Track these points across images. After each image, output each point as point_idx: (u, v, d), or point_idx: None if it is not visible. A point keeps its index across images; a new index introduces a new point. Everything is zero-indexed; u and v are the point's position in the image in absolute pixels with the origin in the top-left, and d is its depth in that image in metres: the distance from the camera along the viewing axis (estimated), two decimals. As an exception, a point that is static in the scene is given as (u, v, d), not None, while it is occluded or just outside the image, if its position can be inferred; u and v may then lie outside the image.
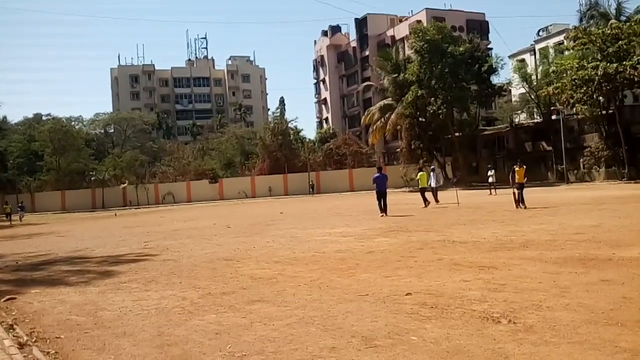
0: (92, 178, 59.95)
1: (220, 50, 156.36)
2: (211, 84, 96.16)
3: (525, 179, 18.42)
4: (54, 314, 6.00)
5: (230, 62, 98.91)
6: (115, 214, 38.21)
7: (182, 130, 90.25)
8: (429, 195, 22.14)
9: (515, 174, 18.02)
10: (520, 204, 17.42)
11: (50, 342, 4.80)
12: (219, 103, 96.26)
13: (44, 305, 6.46)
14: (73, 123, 68.40)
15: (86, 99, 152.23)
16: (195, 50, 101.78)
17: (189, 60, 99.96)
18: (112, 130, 76.98)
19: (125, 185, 56.74)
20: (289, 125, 64.02)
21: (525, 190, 18.03)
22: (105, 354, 4.37)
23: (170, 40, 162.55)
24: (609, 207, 15.85)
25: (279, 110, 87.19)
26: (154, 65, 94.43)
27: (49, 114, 70.42)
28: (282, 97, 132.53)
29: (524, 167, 18.61)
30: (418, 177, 22.46)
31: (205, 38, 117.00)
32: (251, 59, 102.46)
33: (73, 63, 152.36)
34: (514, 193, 17.96)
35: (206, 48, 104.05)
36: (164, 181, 60.11)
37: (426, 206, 20.87)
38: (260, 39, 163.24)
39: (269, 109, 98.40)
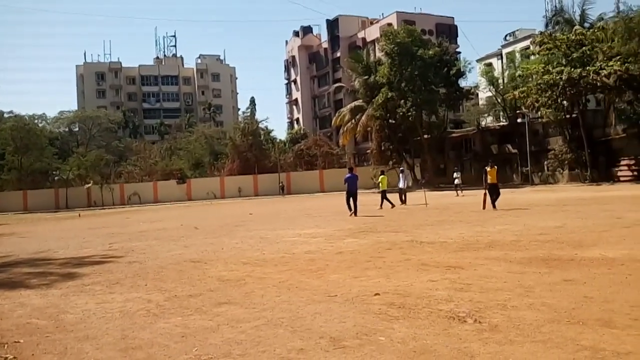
0: (56, 178, 58.47)
1: (189, 49, 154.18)
2: (180, 83, 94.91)
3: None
4: (13, 317, 5.79)
5: (199, 61, 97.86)
6: (79, 215, 37.31)
7: (150, 130, 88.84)
8: (392, 196, 22.28)
9: (487, 175, 17.94)
10: (493, 205, 17.35)
11: (9, 347, 4.63)
12: (188, 102, 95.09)
13: (2, 309, 6.24)
14: (36, 121, 66.48)
15: (50, 97, 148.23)
16: (164, 49, 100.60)
17: (157, 58, 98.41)
18: (76, 129, 75.12)
19: (90, 185, 55.49)
20: (260, 125, 63.79)
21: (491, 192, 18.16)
22: (67, 358, 4.24)
23: (139, 37, 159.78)
24: (572, 209, 16.29)
25: (249, 110, 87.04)
26: (121, 62, 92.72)
27: (11, 112, 68.27)
28: (252, 97, 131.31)
29: (496, 167, 18.62)
30: (379, 180, 22.60)
31: (174, 36, 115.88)
32: (221, 57, 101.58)
33: (37, 60, 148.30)
34: (484, 194, 17.98)
35: (175, 46, 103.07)
36: (130, 181, 58.99)
37: (392, 207, 21.03)
38: (230, 38, 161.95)
39: (239, 109, 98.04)
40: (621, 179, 36.32)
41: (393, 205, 21.12)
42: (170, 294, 6.51)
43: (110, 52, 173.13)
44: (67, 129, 74.71)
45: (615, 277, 6.03)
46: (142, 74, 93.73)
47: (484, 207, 17.49)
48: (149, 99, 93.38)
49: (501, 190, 18.55)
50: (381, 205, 21.36)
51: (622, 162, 37.47)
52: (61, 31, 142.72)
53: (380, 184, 22.62)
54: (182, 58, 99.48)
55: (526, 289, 5.69)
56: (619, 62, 33.17)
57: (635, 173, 36.29)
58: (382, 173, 23.70)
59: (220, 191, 55.62)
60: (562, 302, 5.00)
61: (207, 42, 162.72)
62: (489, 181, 17.83)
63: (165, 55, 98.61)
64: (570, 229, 10.88)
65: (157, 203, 52.79)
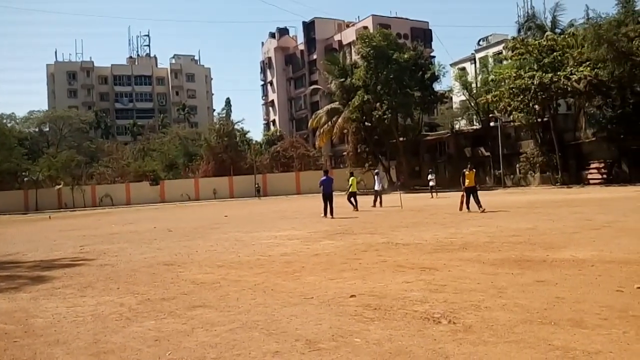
0: (25, 179, 56.89)
1: (163, 49, 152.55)
2: (153, 83, 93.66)
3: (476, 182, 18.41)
4: (-22, 323, 5.61)
5: (174, 61, 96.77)
6: (50, 217, 36.46)
7: (122, 130, 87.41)
8: (367, 198, 22.39)
9: (465, 178, 17.87)
10: (477, 205, 17.28)
11: (-27, 354, 4.48)
12: (162, 102, 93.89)
13: (-33, 314, 6.04)
14: (5, 121, 64.71)
15: (19, 97, 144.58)
16: (137, 48, 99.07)
17: (131, 57, 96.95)
18: (47, 129, 73.39)
19: (61, 186, 54.22)
20: (235, 126, 63.35)
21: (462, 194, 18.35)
22: (35, 365, 4.13)
23: (111, 37, 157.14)
24: (543, 211, 16.61)
25: (225, 111, 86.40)
26: (93, 62, 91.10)
27: (-23, 111, 66.32)
28: (228, 98, 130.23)
29: (474, 170, 18.59)
30: (349, 181, 22.67)
31: (148, 36, 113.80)
32: (196, 58, 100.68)
33: (6, 60, 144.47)
34: (462, 196, 18.04)
35: (149, 46, 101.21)
36: (101, 183, 57.84)
37: (355, 209, 21.01)
38: (206, 39, 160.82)
39: (214, 110, 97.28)
40: (591, 181, 37.23)
41: (356, 209, 21.18)
42: (143, 297, 6.41)
43: (82, 51, 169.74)
44: (37, 129, 72.93)
45: (585, 278, 6.16)
46: (114, 74, 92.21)
47: (460, 209, 17.64)
48: (121, 99, 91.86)
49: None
50: (356, 207, 21.41)
51: (592, 166, 38.42)
52: (31, 30, 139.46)
53: (350, 186, 22.63)
54: (155, 58, 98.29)
55: (499, 289, 5.77)
56: (588, 68, 34.02)
57: (605, 176, 37.25)
58: (352, 175, 23.75)
59: (194, 193, 55.03)
60: (534, 303, 5.08)
61: (181, 42, 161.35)
62: (466, 184, 17.83)
63: (138, 55, 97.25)
64: (541, 231, 11.09)
65: (129, 205, 51.95)
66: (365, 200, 25.10)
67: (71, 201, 53.18)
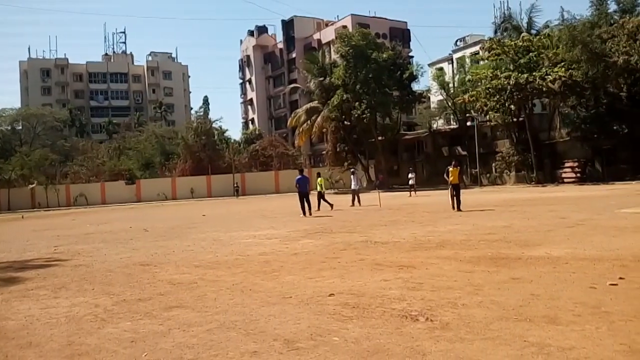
0: (-3, 178, 55.58)
1: (140, 46, 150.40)
2: (129, 80, 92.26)
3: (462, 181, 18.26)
4: (-54, 326, 5.45)
5: (150, 58, 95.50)
6: (22, 216, 35.72)
7: (97, 128, 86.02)
8: (341, 198, 22.42)
9: (450, 175, 17.59)
10: (457, 205, 17.08)
11: (-59, 358, 4.35)
12: (138, 100, 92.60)
13: None
14: (-24, 119, 63.18)
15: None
16: (113, 45, 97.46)
17: (106, 54, 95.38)
18: (20, 127, 71.79)
19: (34, 185, 53.13)
20: (213, 125, 62.87)
21: (441, 193, 18.48)
22: (6, 368, 4.03)
23: (87, 33, 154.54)
24: (519, 209, 16.87)
25: (202, 109, 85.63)
26: (67, 59, 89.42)
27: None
28: (206, 96, 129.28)
29: (459, 167, 18.29)
30: (318, 181, 22.67)
31: (124, 32, 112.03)
32: (173, 55, 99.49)
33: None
34: (451, 195, 17.67)
35: (125, 43, 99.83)
36: (76, 182, 56.86)
37: (317, 210, 20.97)
38: (183, 36, 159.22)
39: (191, 108, 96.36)
40: (565, 180, 37.99)
41: (319, 209, 21.17)
42: (119, 298, 6.31)
43: (56, 48, 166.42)
44: (9, 127, 71.29)
45: (560, 275, 6.26)
46: (89, 71, 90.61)
47: (453, 208, 17.23)
48: (97, 97, 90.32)
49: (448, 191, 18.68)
50: (330, 206, 21.43)
51: (566, 165, 39.20)
52: (4, 26, 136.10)
53: (318, 186, 22.61)
54: (132, 55, 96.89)
55: (476, 287, 5.83)
56: (563, 68, 34.68)
57: (578, 175, 38.05)
58: (319, 175, 23.73)
59: (171, 192, 54.49)
60: (510, 300, 5.14)
61: (158, 39, 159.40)
62: (450, 181, 17.56)
63: (114, 52, 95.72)
64: (517, 229, 11.26)
65: (104, 204, 51.21)
66: (346, 200, 25.18)
67: (45, 201, 52.18)
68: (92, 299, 6.40)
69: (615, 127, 36.59)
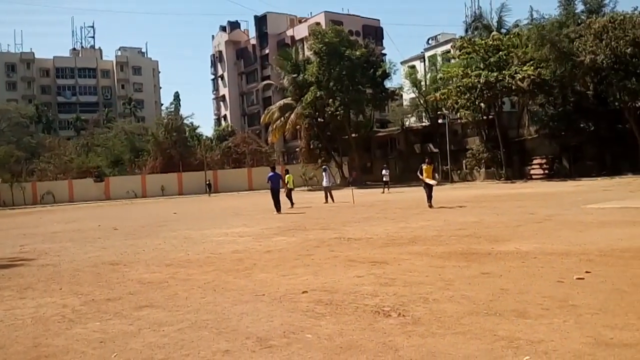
0: (-41, 175, 53.81)
1: (109, 41, 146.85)
2: (98, 76, 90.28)
3: (434, 177, 18.27)
4: None
5: (119, 53, 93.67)
6: (-14, 215, 34.62)
7: (65, 125, 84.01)
8: (306, 194, 22.42)
9: (424, 172, 17.51)
10: (427, 201, 17.08)
11: None
12: (107, 96, 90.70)
13: None
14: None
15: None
16: (81, 39, 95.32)
17: (74, 49, 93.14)
18: (-17, 123, 69.59)
19: (-1, 183, 51.63)
20: (185, 121, 62.08)
21: (413, 189, 18.59)
22: (-33, 373, 3.90)
23: (53, 27, 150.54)
24: (488, 205, 17.16)
25: (173, 105, 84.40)
26: (33, 53, 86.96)
27: None
28: (176, 92, 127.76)
29: (432, 165, 18.27)
30: (286, 179, 22.63)
31: (92, 27, 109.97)
32: (143, 50, 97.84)
33: None
34: (426, 192, 17.51)
35: (93, 37, 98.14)
36: (42, 179, 55.43)
37: (292, 206, 20.98)
38: (153, 31, 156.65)
39: (162, 104, 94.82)
40: (533, 177, 38.83)
41: (292, 206, 21.18)
42: (87, 298, 6.17)
43: (21, 42, 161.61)
44: (-28, 123, 69.07)
45: (528, 269, 6.38)
46: (57, 66, 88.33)
47: (430, 205, 17.11)
48: (64, 93, 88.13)
49: (421, 188, 18.82)
50: (291, 204, 21.40)
51: (535, 161, 40.07)
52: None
53: (287, 183, 22.55)
54: (100, 50, 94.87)
55: (447, 282, 5.90)
56: (532, 67, 35.38)
57: (546, 171, 38.94)
58: (287, 172, 23.68)
59: (141, 190, 53.65)
60: (480, 295, 5.22)
61: (128, 34, 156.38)
62: (424, 178, 17.45)
63: (82, 47, 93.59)
64: (487, 224, 11.45)
65: (72, 202, 50.10)
66: (319, 197, 25.20)
67: (10, 199, 50.74)
68: (60, 299, 6.25)
69: (582, 125, 37.55)
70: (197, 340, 4.27)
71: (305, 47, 56.54)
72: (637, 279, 5.52)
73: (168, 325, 4.77)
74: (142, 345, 4.23)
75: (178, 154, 55.89)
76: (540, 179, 37.79)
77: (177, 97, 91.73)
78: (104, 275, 7.79)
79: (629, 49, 32.18)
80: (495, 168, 41.48)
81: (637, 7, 35.69)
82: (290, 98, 49.84)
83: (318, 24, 59.51)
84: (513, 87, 35.84)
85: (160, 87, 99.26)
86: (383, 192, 31.06)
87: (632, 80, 32.29)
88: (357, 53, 44.52)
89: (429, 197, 17.17)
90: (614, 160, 36.36)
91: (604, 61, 32.78)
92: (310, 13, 73.17)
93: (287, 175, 22.78)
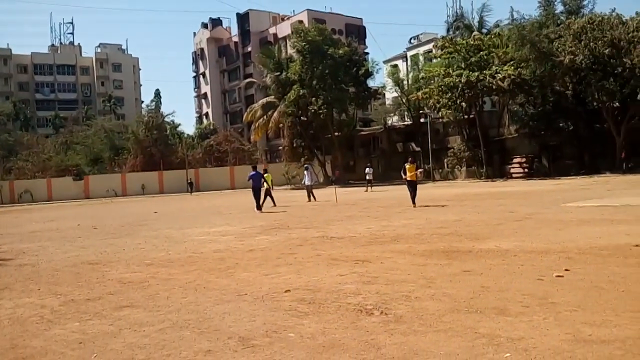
0: None
1: (88, 37, 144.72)
2: (77, 72, 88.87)
3: (419, 176, 18.07)
4: None
5: (99, 50, 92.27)
6: (-39, 214, 33.85)
7: (43, 122, 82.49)
8: (289, 193, 22.30)
9: (407, 171, 17.40)
10: (412, 201, 16.94)
11: None
12: (86, 93, 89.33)
13: None
14: None
15: None
16: (60, 36, 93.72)
17: (53, 45, 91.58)
18: (-41, 121, 68.11)
19: (-26, 181, 50.58)
20: (165, 119, 61.43)
21: (396, 188, 18.64)
22: (-59, 376, 3.80)
23: (32, 23, 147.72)
24: (470, 203, 17.33)
25: (154, 103, 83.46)
26: (10, 49, 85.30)
27: None
28: (157, 90, 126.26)
29: (415, 164, 18.28)
30: (265, 178, 22.46)
31: (71, 23, 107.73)
32: (123, 47, 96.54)
33: None
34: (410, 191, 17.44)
35: (72, 33, 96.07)
36: (20, 178, 54.41)
37: (274, 206, 20.84)
38: (134, 27, 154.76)
39: (142, 102, 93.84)
40: (513, 175, 39.35)
41: (274, 204, 21.07)
42: (66, 298, 6.08)
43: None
44: (-53, 120, 67.54)
45: (508, 267, 6.45)
46: (35, 63, 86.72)
47: (413, 204, 17.05)
48: (42, 90, 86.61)
49: (405, 187, 18.86)
50: (273, 203, 21.29)
51: (514, 160, 40.60)
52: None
53: (265, 183, 22.40)
54: (80, 46, 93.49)
55: (428, 280, 5.94)
56: (512, 67, 35.83)
57: (526, 170, 39.49)
58: (265, 172, 23.51)
59: (121, 188, 53.03)
60: (461, 292, 5.26)
61: (108, 30, 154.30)
62: (407, 177, 17.40)
63: (61, 43, 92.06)
64: (468, 223, 11.55)
65: (51, 201, 49.28)
66: (302, 196, 25.16)
67: (-14, 198, 49.73)
68: (38, 299, 6.14)
69: (561, 124, 38.15)
70: (178, 341, 4.23)
71: (288, 45, 56.38)
72: (615, 277, 5.61)
73: (149, 326, 4.71)
74: (123, 346, 4.18)
75: (159, 152, 55.34)
76: (520, 177, 38.31)
77: (157, 94, 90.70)
78: (83, 275, 7.67)
79: (607, 50, 32.78)
80: (476, 167, 41.91)
81: (614, 8, 36.24)
82: (273, 96, 49.69)
83: (301, 22, 59.38)
84: (494, 87, 36.25)
85: (141, 85, 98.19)
86: (366, 191, 31.16)
87: (610, 81, 32.90)
88: (340, 52, 44.56)
89: (413, 197, 17.14)
90: (593, 159, 37.03)
91: (583, 61, 33.33)
92: (293, 11, 73.19)
93: (266, 175, 22.65)
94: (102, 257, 9.47)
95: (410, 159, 18.56)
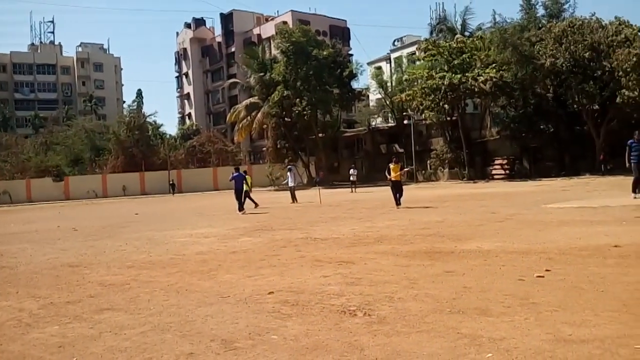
0: None
1: (69, 36, 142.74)
2: (58, 72, 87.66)
3: (403, 176, 17.94)
4: None
5: (80, 49, 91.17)
6: (-63, 216, 33.11)
7: (22, 122, 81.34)
8: (272, 194, 22.22)
9: (391, 171, 17.25)
10: (396, 203, 16.88)
11: None
12: (67, 93, 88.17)
13: None
14: None
15: None
16: (41, 35, 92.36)
17: (33, 44, 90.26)
18: None
19: (-49, 182, 49.57)
20: (147, 119, 60.91)
21: (380, 189, 18.69)
22: None
23: (11, 21, 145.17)
24: (452, 204, 17.46)
25: (136, 103, 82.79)
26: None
27: None
28: (139, 90, 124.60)
29: (400, 164, 18.18)
30: (245, 179, 22.37)
31: (52, 22, 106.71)
32: (105, 46, 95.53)
33: None
34: (393, 192, 17.38)
35: (53, 32, 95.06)
36: (-1, 178, 53.54)
37: (255, 207, 20.78)
38: (115, 27, 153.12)
39: (124, 102, 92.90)
40: (495, 177, 39.76)
41: (256, 205, 20.98)
42: (46, 301, 5.97)
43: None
44: None
45: (490, 268, 6.51)
46: (14, 62, 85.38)
47: (397, 205, 16.99)
48: (22, 89, 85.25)
49: (389, 188, 18.88)
50: (255, 205, 21.23)
51: (496, 162, 41.03)
52: None
53: (245, 184, 22.28)
54: (60, 46, 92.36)
55: (411, 281, 5.96)
56: (494, 70, 36.19)
57: (507, 171, 39.92)
58: (246, 173, 23.41)
59: (102, 190, 52.43)
60: (443, 293, 5.29)
61: (89, 29, 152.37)
62: (392, 177, 17.27)
63: (41, 42, 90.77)
64: (450, 224, 11.63)
65: (30, 203, 48.53)
66: (286, 197, 25.11)
67: (-37, 199, 48.79)
68: (16, 302, 6.02)
69: (542, 127, 38.64)
70: (160, 344, 4.18)
71: (272, 45, 56.29)
72: (594, 277, 5.69)
73: (130, 329, 4.65)
74: (103, 349, 4.12)
75: (140, 152, 54.84)
76: (501, 179, 38.71)
77: (139, 94, 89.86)
78: (63, 277, 7.55)
79: (587, 53, 33.31)
80: (459, 168, 42.26)
81: (594, 12, 36.84)
82: (256, 97, 49.57)
83: (285, 22, 59.36)
84: (476, 89, 36.57)
85: (123, 84, 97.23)
86: (352, 192, 31.26)
87: (590, 84, 33.42)
88: (324, 53, 44.61)
89: (396, 198, 17.07)
90: (573, 161, 37.59)
91: (564, 65, 33.82)
92: (277, 12, 73.20)
93: (246, 177, 22.54)
94: (83, 259, 9.33)
95: (394, 159, 18.45)
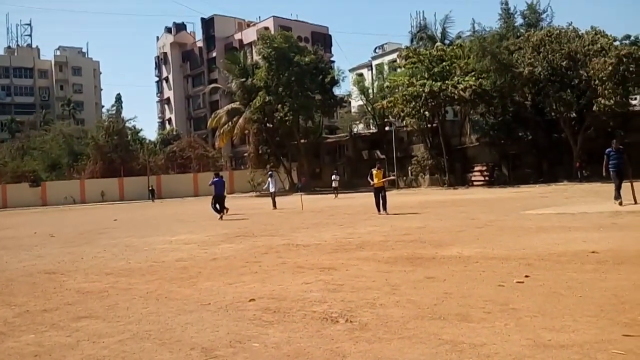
0: None
1: (47, 40, 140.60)
2: (35, 76, 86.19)
3: (386, 182, 17.84)
4: None
5: (58, 53, 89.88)
6: None
7: (-2, 127, 79.62)
8: (254, 200, 22.14)
9: (374, 177, 17.22)
10: (381, 209, 16.72)
11: None
12: (44, 97, 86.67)
13: None
14: None
15: None
16: (17, 38, 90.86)
17: (9, 47, 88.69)
18: None
19: None
20: (127, 124, 60.23)
21: (362, 195, 18.70)
22: None
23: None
24: (432, 211, 17.58)
25: (115, 107, 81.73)
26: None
27: None
28: (118, 94, 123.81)
29: (382, 169, 18.10)
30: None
31: (29, 24, 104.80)
32: (84, 50, 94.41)
33: None
34: (376, 198, 17.28)
35: (30, 36, 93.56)
36: (-26, 184, 52.35)
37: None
38: (94, 30, 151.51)
39: (103, 106, 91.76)
40: (474, 183, 40.20)
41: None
42: (21, 309, 5.84)
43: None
44: None
45: (471, 273, 6.56)
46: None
47: (378, 211, 16.92)
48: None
49: (370, 194, 18.94)
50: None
51: (476, 168, 41.50)
52: None
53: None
54: (38, 49, 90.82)
55: (393, 287, 5.97)
56: (474, 78, 36.68)
57: (487, 178, 40.41)
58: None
59: (80, 195, 51.61)
60: (425, 299, 5.31)
61: (67, 33, 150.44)
62: (374, 183, 17.22)
63: (18, 45, 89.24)
64: (431, 230, 11.71)
65: (6, 208, 47.48)
66: (268, 203, 25.00)
67: (-64, 204, 47.56)
68: (-10, 311, 5.87)
69: (520, 134, 39.23)
70: (139, 352, 4.12)
71: (253, 51, 56.21)
72: (573, 282, 5.77)
73: (108, 337, 4.57)
74: (81, 358, 4.04)
75: (119, 158, 54.17)
76: (481, 185, 39.15)
77: (119, 99, 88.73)
78: (39, 284, 7.39)
79: (564, 62, 33.98)
80: (439, 174, 42.63)
81: (571, 22, 37.72)
82: (238, 102, 49.41)
83: (267, 28, 59.40)
84: (455, 97, 36.99)
85: (102, 89, 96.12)
86: (335, 197, 31.31)
87: (567, 92, 34.07)
88: (306, 59, 44.71)
89: (378, 204, 17.01)
90: (551, 168, 38.21)
91: (542, 73, 34.43)
92: (259, 17, 73.00)
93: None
94: (60, 266, 9.15)
95: (377, 164, 18.43)
